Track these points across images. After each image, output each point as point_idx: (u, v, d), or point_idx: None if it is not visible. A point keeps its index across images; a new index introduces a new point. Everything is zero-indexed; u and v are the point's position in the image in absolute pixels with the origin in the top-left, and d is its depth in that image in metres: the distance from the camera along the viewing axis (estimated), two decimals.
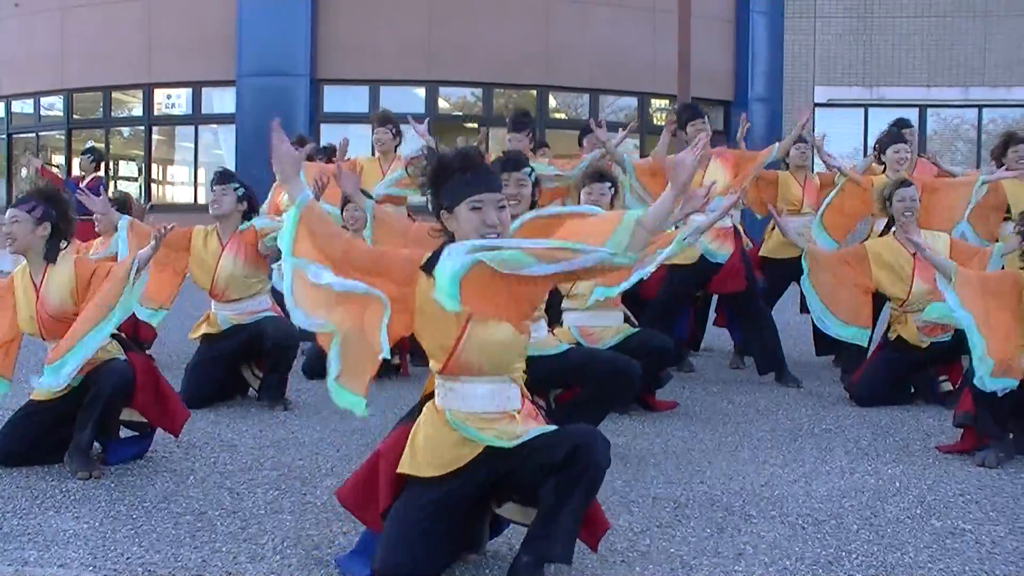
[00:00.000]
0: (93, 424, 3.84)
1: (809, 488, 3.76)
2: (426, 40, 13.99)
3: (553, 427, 2.78)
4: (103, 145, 15.23)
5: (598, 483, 2.70)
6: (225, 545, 3.05)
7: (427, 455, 2.75)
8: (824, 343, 6.75)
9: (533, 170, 4.23)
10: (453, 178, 2.75)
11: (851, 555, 3.04)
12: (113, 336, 4.04)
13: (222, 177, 5.34)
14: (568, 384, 4.28)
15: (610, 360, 4.17)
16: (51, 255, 3.98)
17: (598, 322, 4.89)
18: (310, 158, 7.43)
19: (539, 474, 2.69)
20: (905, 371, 5.43)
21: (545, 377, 3.77)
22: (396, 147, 6.91)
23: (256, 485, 3.71)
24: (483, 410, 2.75)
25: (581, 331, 4.79)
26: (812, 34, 15.99)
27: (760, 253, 6.79)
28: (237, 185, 5.30)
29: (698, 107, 6.27)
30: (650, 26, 14.57)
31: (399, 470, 2.77)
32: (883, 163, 6.42)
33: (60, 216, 3.99)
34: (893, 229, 5.43)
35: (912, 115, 14.11)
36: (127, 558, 2.93)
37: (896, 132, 6.52)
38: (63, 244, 4.04)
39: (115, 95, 15.50)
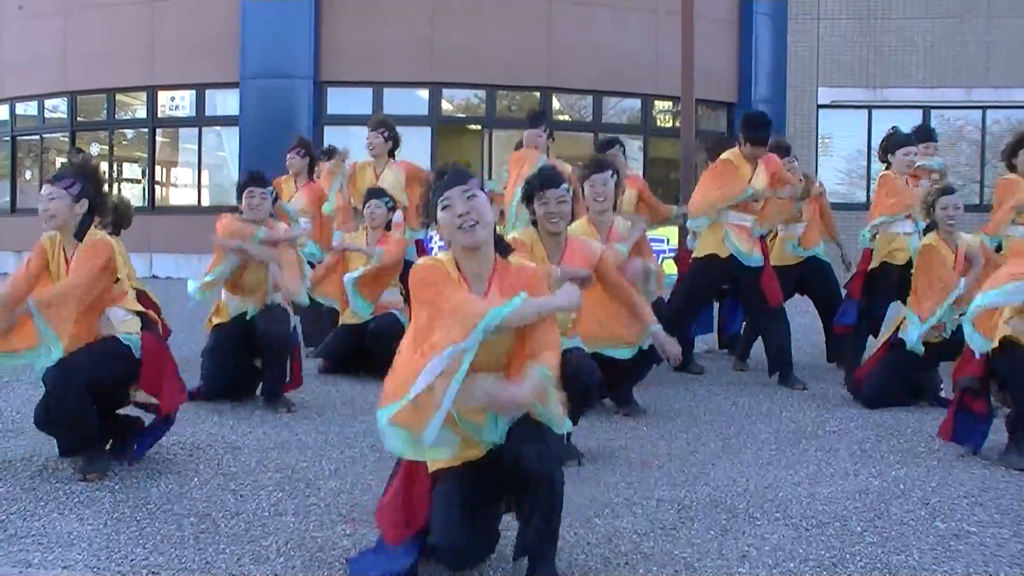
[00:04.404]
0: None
1: (813, 490, 3.76)
2: (429, 42, 14.01)
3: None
4: (106, 147, 15.29)
5: (555, 494, 2.67)
6: (229, 547, 3.05)
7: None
8: (836, 350, 6.76)
9: (570, 187, 4.26)
10: (429, 196, 2.86)
11: (855, 557, 3.03)
12: (138, 313, 4.02)
13: (260, 180, 5.46)
14: None
15: (569, 364, 3.96)
16: (81, 233, 3.92)
17: None
18: (311, 161, 7.45)
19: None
20: (911, 371, 5.42)
21: None
22: (391, 151, 6.95)
23: (260, 487, 3.71)
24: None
25: None
26: (815, 35, 15.99)
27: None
28: (272, 188, 5.51)
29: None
30: (653, 28, 14.58)
31: (432, 469, 2.78)
32: (888, 163, 6.40)
33: (96, 193, 3.97)
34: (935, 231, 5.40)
35: (915, 116, 14.13)
36: (131, 560, 2.93)
37: (905, 134, 6.50)
38: (95, 222, 4.01)
39: (119, 97, 15.53)
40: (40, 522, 3.27)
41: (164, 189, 15.98)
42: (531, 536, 2.70)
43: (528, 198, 4.24)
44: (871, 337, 6.27)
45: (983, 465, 4.17)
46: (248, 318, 5.29)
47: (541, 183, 4.18)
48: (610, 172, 4.95)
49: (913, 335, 5.21)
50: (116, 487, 3.68)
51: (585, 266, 4.12)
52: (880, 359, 5.47)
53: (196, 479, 3.82)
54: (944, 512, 3.50)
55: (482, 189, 2.85)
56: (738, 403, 5.48)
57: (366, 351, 6.04)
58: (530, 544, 2.70)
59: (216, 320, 5.42)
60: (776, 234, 6.80)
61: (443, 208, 2.78)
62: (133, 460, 3.98)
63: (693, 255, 6.18)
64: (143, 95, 15.20)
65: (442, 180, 2.85)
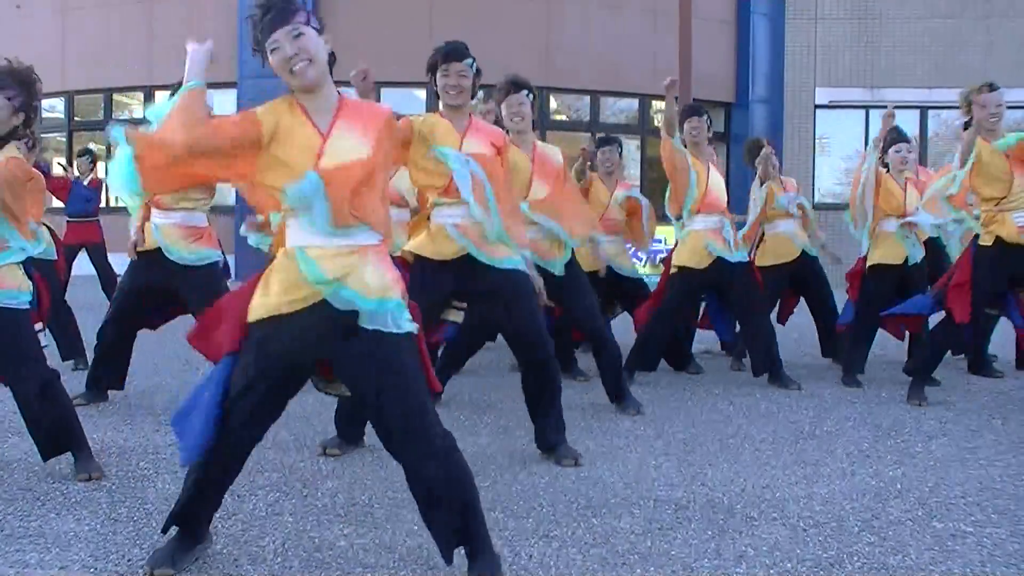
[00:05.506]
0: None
1: (810, 490, 3.76)
2: (427, 42, 13.81)
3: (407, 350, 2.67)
4: (104, 147, 15.25)
5: (470, 492, 2.68)
6: (226, 547, 3.05)
7: (278, 295, 2.66)
8: (830, 345, 6.77)
9: (474, 61, 4.16)
10: (256, 35, 2.72)
11: (852, 557, 3.04)
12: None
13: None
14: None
15: (528, 342, 4.01)
16: (2, 143, 3.67)
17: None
18: None
19: (373, 413, 2.68)
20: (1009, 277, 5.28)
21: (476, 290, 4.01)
22: None
23: (257, 487, 3.71)
24: (332, 243, 2.63)
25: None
26: (813, 35, 16.00)
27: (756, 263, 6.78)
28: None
29: (699, 107, 6.23)
30: (651, 27, 14.60)
31: (249, 319, 2.68)
32: (887, 164, 6.41)
33: (31, 110, 3.72)
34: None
35: (914, 117, 14.15)
36: (128, 560, 2.93)
37: (901, 133, 6.49)
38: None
39: (116, 97, 15.53)
40: (37, 522, 3.26)
41: None
42: (468, 537, 2.67)
43: (431, 69, 4.12)
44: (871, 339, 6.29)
45: (980, 465, 4.18)
46: (170, 261, 4.88)
47: (444, 56, 4.10)
48: (526, 92, 4.73)
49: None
50: (113, 487, 3.68)
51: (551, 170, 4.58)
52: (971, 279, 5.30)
53: None
54: (941, 512, 3.51)
55: (310, 20, 2.73)
56: (735, 403, 5.48)
57: None
58: (473, 548, 2.68)
59: (140, 245, 5.03)
60: (763, 237, 6.80)
61: (271, 51, 2.69)
62: None
63: (673, 264, 6.01)
64: (140, 95, 15.19)
65: (265, 18, 2.69)
